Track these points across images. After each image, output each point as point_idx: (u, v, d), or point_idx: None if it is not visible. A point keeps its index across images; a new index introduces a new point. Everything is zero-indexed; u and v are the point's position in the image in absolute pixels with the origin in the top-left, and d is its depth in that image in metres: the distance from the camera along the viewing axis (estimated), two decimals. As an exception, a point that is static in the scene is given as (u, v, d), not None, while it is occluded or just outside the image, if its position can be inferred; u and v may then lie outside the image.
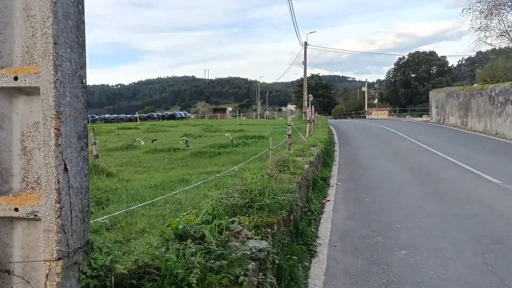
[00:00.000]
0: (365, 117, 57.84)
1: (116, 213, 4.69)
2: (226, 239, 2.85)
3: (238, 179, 5.09)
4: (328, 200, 7.75)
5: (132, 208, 5.91)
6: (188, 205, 4.35)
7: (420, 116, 44.71)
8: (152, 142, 19.08)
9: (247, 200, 3.82)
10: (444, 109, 28.45)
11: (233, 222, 3.11)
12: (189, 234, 2.80)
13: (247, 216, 3.60)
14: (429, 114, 36.04)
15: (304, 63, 44.11)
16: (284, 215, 4.27)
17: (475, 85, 27.11)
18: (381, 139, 19.99)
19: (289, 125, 11.79)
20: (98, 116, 63.34)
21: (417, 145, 16.39)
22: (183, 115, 66.97)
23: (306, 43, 42.84)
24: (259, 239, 3.27)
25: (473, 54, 74.67)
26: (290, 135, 11.36)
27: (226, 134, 19.24)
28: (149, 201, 5.91)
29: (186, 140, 17.70)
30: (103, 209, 6.98)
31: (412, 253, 4.81)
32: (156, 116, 62.29)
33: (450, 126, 25.59)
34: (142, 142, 18.49)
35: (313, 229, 5.83)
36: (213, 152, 15.33)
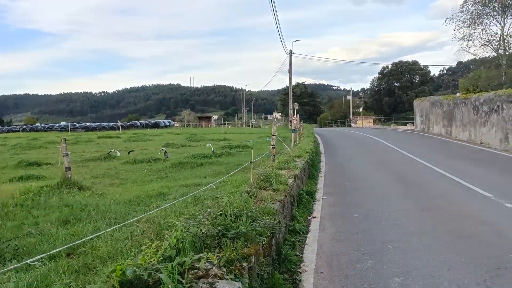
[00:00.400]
0: (350, 125, 57.92)
1: (65, 247, 4.08)
2: (189, 285, 2.29)
3: (210, 200, 4.53)
4: (314, 217, 7.24)
5: (97, 234, 5.28)
6: (153, 232, 3.77)
7: (405, 124, 44.87)
8: (128, 153, 18.25)
9: (220, 228, 3.27)
10: (429, 118, 28.45)
11: (199, 259, 2.57)
12: (141, 280, 2.24)
13: (219, 249, 3.05)
14: (413, 123, 36.11)
15: (290, 71, 43.96)
16: (264, 242, 3.73)
17: (458, 94, 27.18)
18: (367, 149, 19.70)
19: (273, 135, 11.27)
20: (79, 125, 61.88)
21: (404, 155, 16.11)
22: (167, 124, 65.97)
23: (291, 52, 42.73)
24: (232, 278, 2.73)
25: (454, 64, 76.14)
26: (274, 145, 10.85)
27: (208, 145, 18.61)
28: (117, 226, 5.28)
29: (165, 152, 16.98)
30: (67, 229, 6.38)
31: (407, 281, 4.32)
32: (139, 125, 61.08)
33: (435, 135, 25.53)
34: (118, 153, 17.62)
35: (297, 253, 5.31)
36: (195, 163, 14.73)
